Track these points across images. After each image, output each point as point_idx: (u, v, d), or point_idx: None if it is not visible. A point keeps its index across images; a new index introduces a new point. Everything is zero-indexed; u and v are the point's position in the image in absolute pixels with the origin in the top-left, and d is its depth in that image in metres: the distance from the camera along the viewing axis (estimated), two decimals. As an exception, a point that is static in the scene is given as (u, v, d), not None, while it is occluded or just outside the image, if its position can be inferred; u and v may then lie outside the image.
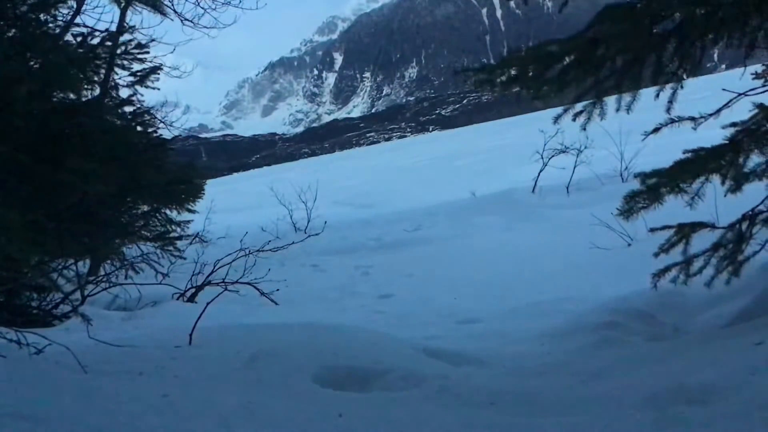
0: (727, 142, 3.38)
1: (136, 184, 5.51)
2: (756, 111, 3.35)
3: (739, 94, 3.45)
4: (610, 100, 3.27)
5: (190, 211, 8.42)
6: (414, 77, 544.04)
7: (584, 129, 3.36)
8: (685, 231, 3.55)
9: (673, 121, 3.39)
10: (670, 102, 3.32)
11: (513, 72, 3.14)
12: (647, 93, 3.37)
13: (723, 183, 3.51)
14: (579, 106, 3.31)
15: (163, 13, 8.29)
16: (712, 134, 3.53)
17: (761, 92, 3.49)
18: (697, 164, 3.36)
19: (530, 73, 3.12)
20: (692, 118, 3.45)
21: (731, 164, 3.39)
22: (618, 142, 11.50)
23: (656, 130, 3.50)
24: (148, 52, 7.68)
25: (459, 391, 2.84)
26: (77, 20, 6.88)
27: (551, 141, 12.25)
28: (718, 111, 3.49)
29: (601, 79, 3.16)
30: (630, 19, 3.00)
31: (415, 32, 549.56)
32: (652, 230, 3.69)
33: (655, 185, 3.39)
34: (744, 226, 3.52)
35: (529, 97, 3.27)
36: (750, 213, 3.52)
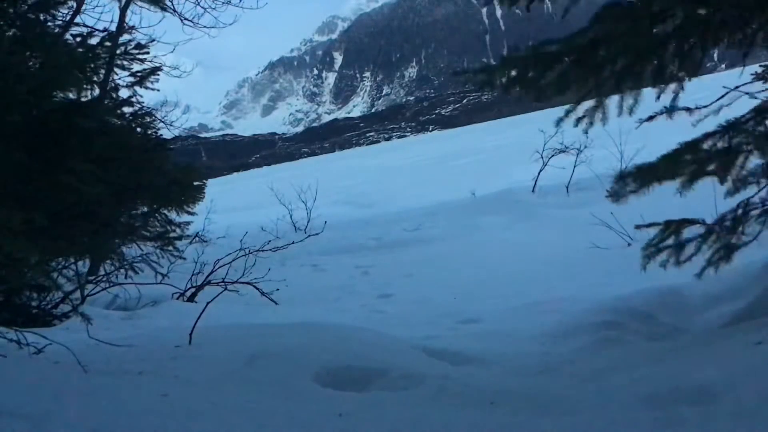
0: (720, 137, 3.37)
1: (136, 184, 5.51)
2: (752, 111, 3.35)
3: (736, 87, 3.44)
4: (612, 103, 3.26)
5: (189, 213, 8.41)
6: (414, 77, 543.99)
7: (586, 133, 3.36)
8: (672, 228, 3.54)
9: (668, 110, 3.37)
10: (673, 104, 3.31)
11: (513, 73, 3.13)
12: (647, 93, 3.37)
13: (722, 183, 3.50)
14: (581, 111, 3.30)
15: (163, 8, 8.26)
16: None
17: (762, 90, 3.49)
18: (689, 159, 3.35)
19: (530, 74, 3.12)
20: (688, 109, 3.44)
21: (730, 164, 3.38)
22: (617, 142, 11.50)
23: (651, 118, 3.47)
24: (147, 53, 7.68)
25: (459, 390, 2.84)
26: (77, 20, 6.89)
27: (551, 141, 12.25)
28: (718, 106, 3.48)
29: (601, 80, 3.15)
30: (630, 19, 2.99)
31: (415, 32, 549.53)
32: (638, 227, 3.68)
33: (648, 168, 3.37)
34: (738, 213, 3.50)
35: (530, 98, 3.26)
36: (743, 203, 3.52)
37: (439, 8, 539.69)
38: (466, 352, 3.96)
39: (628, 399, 2.52)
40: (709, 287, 4.14)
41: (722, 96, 3.44)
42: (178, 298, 7.07)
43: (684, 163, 3.36)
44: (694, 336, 3.76)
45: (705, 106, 3.47)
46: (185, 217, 8.71)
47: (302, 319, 5.04)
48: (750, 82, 3.50)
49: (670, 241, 3.56)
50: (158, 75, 7.85)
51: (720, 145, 3.32)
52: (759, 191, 3.49)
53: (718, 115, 3.47)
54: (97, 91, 6.83)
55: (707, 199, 3.66)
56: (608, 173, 11.90)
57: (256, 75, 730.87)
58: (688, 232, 3.56)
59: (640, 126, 3.60)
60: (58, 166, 2.91)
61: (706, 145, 3.34)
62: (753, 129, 3.28)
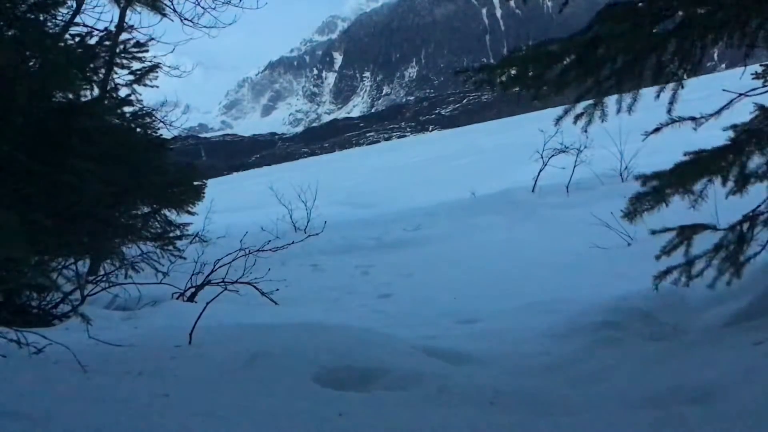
0: (729, 143, 3.38)
1: (136, 184, 5.50)
2: (757, 112, 3.35)
3: (740, 95, 3.44)
4: (611, 101, 3.27)
5: (189, 213, 8.41)
6: (414, 77, 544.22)
7: (585, 131, 3.37)
8: (686, 233, 3.55)
9: (674, 121, 3.38)
10: (671, 103, 3.32)
11: (513, 72, 3.14)
12: (647, 93, 3.37)
13: (724, 184, 3.50)
14: (579, 108, 3.31)
15: (163, 13, 8.27)
16: (712, 134, 3.52)
17: (762, 92, 3.49)
18: (699, 166, 3.36)
19: (530, 73, 3.12)
20: (693, 118, 3.45)
21: (733, 165, 3.39)
22: (617, 142, 11.50)
23: (657, 130, 3.49)
24: (147, 51, 7.68)
25: (459, 390, 2.84)
26: (77, 19, 6.88)
27: (551, 141, 12.24)
28: (719, 111, 3.49)
29: (601, 79, 3.16)
30: (630, 19, 3.00)
31: (415, 32, 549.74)
32: (653, 232, 3.69)
33: (660, 187, 3.39)
34: (745, 227, 3.51)
35: (529, 97, 3.26)
36: (750, 214, 3.52)
37: (439, 8, 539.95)
38: (466, 352, 3.96)
39: (628, 399, 2.53)
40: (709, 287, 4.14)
41: (728, 104, 3.44)
42: (178, 298, 7.07)
43: (693, 175, 3.38)
44: (694, 336, 3.76)
45: (711, 115, 3.47)
46: (185, 217, 8.71)
47: (302, 319, 5.03)
48: (755, 89, 3.50)
49: (682, 249, 3.57)
50: (157, 73, 7.85)
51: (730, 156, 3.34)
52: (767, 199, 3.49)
53: (719, 118, 3.48)
54: (97, 91, 6.84)
55: (708, 200, 3.66)
56: (608, 173, 11.97)
57: (256, 75, 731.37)
58: (697, 240, 3.57)
59: (646, 138, 3.61)
60: (59, 165, 2.92)
61: (715, 156, 3.35)
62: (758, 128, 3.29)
